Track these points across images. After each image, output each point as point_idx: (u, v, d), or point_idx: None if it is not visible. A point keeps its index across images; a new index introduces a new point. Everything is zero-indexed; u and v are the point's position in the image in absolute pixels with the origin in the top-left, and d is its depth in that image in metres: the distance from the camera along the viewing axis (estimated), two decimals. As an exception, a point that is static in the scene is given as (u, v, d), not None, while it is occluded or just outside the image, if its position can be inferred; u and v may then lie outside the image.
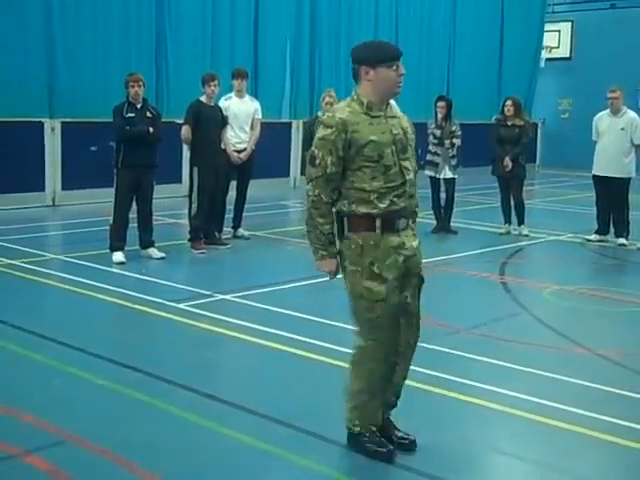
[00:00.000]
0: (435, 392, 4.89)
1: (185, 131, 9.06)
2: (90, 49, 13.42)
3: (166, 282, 7.61)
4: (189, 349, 5.88)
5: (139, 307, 6.69)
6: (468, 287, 8.07)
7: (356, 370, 3.98)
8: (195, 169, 9.10)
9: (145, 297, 6.95)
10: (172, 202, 12.15)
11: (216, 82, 9.12)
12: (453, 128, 10.68)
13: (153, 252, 8.62)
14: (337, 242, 3.96)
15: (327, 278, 4.02)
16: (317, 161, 3.82)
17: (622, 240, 10.20)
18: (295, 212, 13.04)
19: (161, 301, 6.83)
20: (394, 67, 3.88)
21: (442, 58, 20.22)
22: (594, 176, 10.46)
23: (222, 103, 9.63)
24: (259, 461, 3.98)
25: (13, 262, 8.18)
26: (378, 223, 3.83)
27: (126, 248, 8.45)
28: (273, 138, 13.24)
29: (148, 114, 8.48)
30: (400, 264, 3.89)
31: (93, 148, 12.50)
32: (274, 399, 4.73)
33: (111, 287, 7.26)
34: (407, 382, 4.21)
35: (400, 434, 4.10)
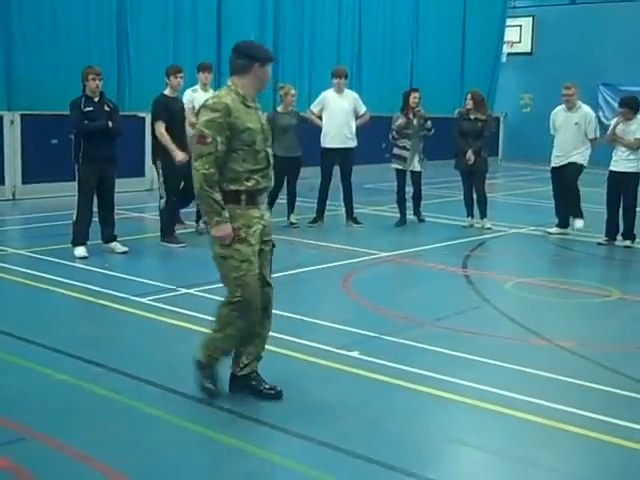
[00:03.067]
0: (398, 384, 4.91)
1: (160, 127, 8.81)
2: (50, 41, 13.24)
3: (129, 276, 7.55)
4: (152, 344, 5.84)
5: (102, 302, 6.63)
6: (431, 280, 8.13)
7: (226, 330, 4.47)
8: (159, 163, 8.98)
9: (108, 292, 6.89)
10: (135, 196, 12.06)
11: (182, 74, 9.04)
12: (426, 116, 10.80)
13: (116, 246, 8.54)
14: None
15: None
16: (209, 139, 4.26)
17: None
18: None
19: (124, 295, 6.78)
20: (270, 67, 4.54)
21: (405, 53, 20.33)
22: (552, 169, 10.59)
23: (188, 94, 9.63)
24: (224, 456, 3.97)
25: (-28, 257, 8.06)
26: (243, 197, 4.41)
27: (88, 242, 8.37)
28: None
29: (106, 108, 8.34)
30: (259, 232, 4.48)
31: (54, 141, 12.37)
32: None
33: (73, 282, 7.19)
34: (370, 374, 4.21)
35: (267, 385, 4.61)
